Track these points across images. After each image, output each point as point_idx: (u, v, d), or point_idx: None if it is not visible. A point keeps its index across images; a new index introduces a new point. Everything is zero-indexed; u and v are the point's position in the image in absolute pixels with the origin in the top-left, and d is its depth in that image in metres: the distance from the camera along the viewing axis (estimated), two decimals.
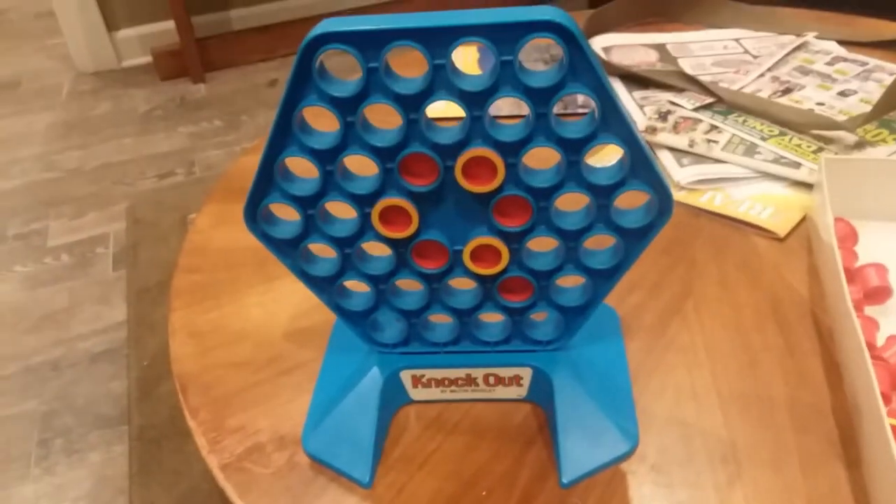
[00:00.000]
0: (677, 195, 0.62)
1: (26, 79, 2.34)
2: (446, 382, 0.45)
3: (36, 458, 1.20)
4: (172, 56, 2.25)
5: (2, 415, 1.27)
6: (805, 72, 0.78)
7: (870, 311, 0.50)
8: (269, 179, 0.38)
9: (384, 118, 0.37)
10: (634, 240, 0.38)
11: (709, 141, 0.66)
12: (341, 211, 0.39)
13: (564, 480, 0.41)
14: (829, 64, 0.79)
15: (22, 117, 2.14)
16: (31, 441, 1.22)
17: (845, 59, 0.80)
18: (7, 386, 1.32)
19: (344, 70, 0.34)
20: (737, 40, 0.87)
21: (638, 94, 0.77)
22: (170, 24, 2.19)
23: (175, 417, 1.23)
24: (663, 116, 0.70)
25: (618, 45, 0.87)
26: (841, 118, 0.68)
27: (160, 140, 2.01)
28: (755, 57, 0.83)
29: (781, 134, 0.67)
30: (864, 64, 0.79)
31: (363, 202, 0.38)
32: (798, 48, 0.83)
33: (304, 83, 0.34)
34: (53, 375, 1.34)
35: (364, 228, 0.39)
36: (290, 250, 0.41)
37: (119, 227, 1.69)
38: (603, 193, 0.37)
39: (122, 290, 1.52)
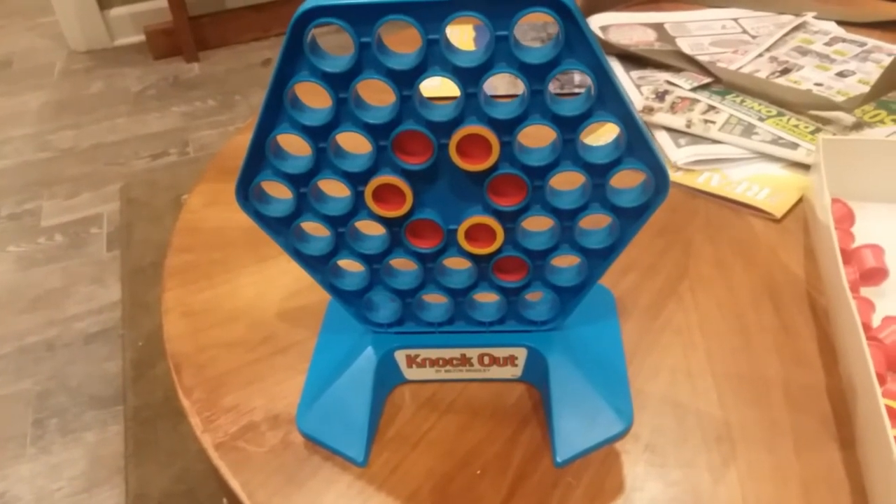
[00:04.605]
0: (674, 176, 0.62)
1: (18, 58, 2.32)
2: (441, 362, 0.45)
3: (31, 437, 1.20)
4: (165, 35, 2.23)
5: None
6: (803, 52, 0.78)
7: (866, 291, 0.50)
8: (260, 157, 0.37)
9: (377, 95, 0.36)
10: (630, 219, 0.38)
11: (706, 121, 0.66)
12: (334, 189, 0.39)
13: (558, 460, 0.41)
14: (827, 44, 0.79)
15: (14, 97, 2.12)
16: (26, 421, 1.23)
17: (844, 40, 0.79)
18: (1, 366, 1.32)
19: (337, 50, 0.33)
20: (735, 20, 0.86)
21: (635, 73, 0.76)
22: (162, 3, 2.16)
23: (170, 397, 1.23)
24: (660, 96, 0.69)
25: (615, 25, 0.86)
26: (839, 99, 0.68)
27: (153, 120, 1.99)
28: (753, 37, 0.82)
29: (779, 114, 0.66)
30: (862, 44, 0.78)
31: (356, 180, 0.37)
32: (797, 28, 0.82)
33: (295, 58, 0.34)
34: (48, 356, 1.34)
35: (357, 207, 0.39)
36: (282, 229, 0.40)
37: (113, 207, 1.69)
38: (598, 172, 0.37)
39: (117, 270, 1.51)
